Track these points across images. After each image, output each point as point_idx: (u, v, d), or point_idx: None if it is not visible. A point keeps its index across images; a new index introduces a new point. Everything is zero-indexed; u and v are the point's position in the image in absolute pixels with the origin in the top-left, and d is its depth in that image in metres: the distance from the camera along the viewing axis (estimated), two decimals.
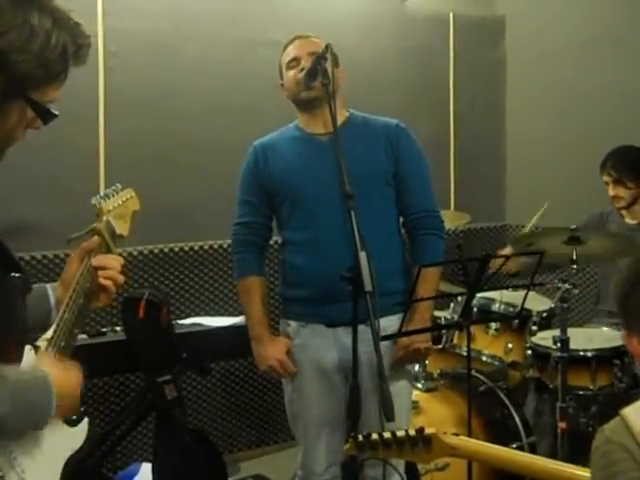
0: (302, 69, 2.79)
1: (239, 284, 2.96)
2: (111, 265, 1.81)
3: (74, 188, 3.86)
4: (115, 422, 3.79)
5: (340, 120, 2.80)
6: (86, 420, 1.68)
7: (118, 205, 1.92)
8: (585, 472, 1.81)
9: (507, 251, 3.90)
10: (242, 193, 2.95)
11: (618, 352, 3.52)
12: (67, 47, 1.56)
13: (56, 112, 1.61)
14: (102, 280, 1.79)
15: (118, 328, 3.82)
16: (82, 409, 1.70)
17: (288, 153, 2.87)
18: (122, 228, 1.92)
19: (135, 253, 4.24)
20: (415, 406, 3.43)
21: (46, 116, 1.60)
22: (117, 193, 1.95)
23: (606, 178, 4.01)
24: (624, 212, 4.10)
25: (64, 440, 1.66)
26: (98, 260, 1.80)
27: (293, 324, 2.88)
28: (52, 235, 3.75)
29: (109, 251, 1.86)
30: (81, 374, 1.65)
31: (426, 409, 3.49)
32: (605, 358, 3.54)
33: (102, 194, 1.89)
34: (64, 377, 1.59)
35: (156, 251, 4.33)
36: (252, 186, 2.91)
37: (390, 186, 2.87)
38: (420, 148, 2.96)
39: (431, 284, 2.83)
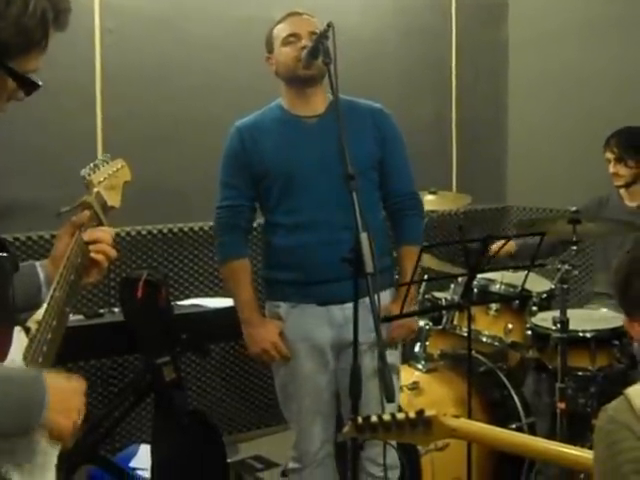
0: (303, 47, 2.75)
1: (225, 267, 2.94)
2: (102, 238, 1.76)
3: (71, 167, 3.80)
4: (113, 404, 3.79)
5: (326, 103, 2.78)
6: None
7: (108, 176, 1.87)
8: (583, 453, 1.80)
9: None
10: (225, 175, 2.91)
11: (617, 333, 3.51)
12: (46, 12, 1.47)
13: (39, 82, 1.54)
14: (94, 255, 1.74)
15: (116, 309, 3.81)
16: None
17: (275, 135, 2.84)
18: (113, 199, 1.87)
19: (133, 233, 4.22)
20: (415, 387, 3.44)
21: (28, 86, 1.53)
22: (107, 163, 1.90)
23: (608, 155, 4.03)
24: (623, 194, 4.10)
25: None
26: (89, 235, 1.74)
27: (283, 305, 2.87)
28: (48, 215, 3.71)
29: (100, 224, 1.80)
30: (83, 386, 1.56)
31: (426, 390, 3.50)
32: (604, 339, 3.53)
33: (92, 165, 1.84)
34: (62, 383, 1.50)
35: (155, 232, 4.31)
36: (237, 168, 2.87)
37: (375, 170, 2.88)
38: (400, 131, 2.97)
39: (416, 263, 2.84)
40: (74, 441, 1.53)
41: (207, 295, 4.36)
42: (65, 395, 1.50)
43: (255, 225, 3.04)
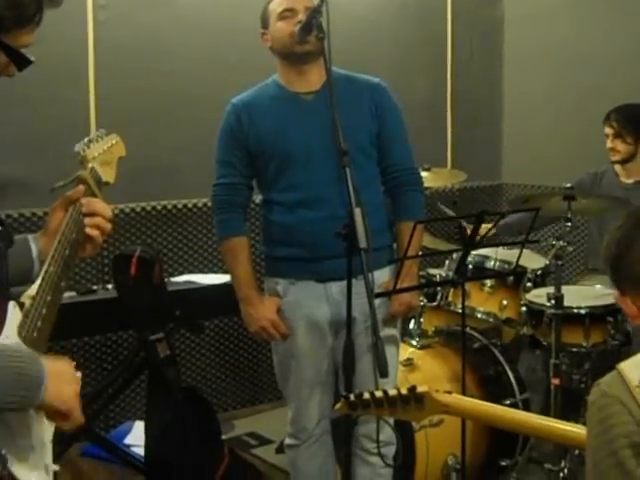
0: (299, 22, 2.71)
1: (223, 245, 2.92)
2: (101, 211, 1.74)
3: (63, 144, 3.77)
4: (107, 380, 3.79)
5: (322, 79, 2.74)
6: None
7: (103, 151, 1.86)
8: (576, 429, 1.80)
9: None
10: (222, 153, 2.88)
11: (611, 309, 3.50)
12: None
13: (31, 57, 1.53)
14: (89, 230, 1.72)
15: (109, 286, 3.80)
16: (74, 364, 1.66)
17: (271, 112, 2.80)
18: (108, 175, 1.86)
19: (127, 210, 4.21)
20: (409, 363, 3.45)
21: (21, 61, 1.52)
22: (102, 139, 1.88)
23: (607, 130, 4.01)
24: (619, 170, 4.09)
25: None
26: (88, 206, 1.73)
27: (282, 282, 2.85)
28: (40, 192, 3.69)
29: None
30: (72, 364, 1.56)
31: (420, 366, 3.50)
32: (598, 315, 3.53)
33: (86, 140, 1.82)
34: (57, 363, 1.51)
35: (148, 208, 4.29)
36: (233, 146, 2.84)
37: (373, 145, 2.85)
38: (399, 106, 2.94)
39: (418, 239, 2.84)
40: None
41: (201, 272, 4.36)
42: (62, 368, 1.51)
43: (257, 201, 3.03)
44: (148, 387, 3.62)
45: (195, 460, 3.38)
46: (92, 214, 1.74)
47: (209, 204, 4.33)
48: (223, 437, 3.77)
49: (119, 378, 3.70)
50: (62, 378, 1.49)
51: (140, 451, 3.60)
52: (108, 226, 1.77)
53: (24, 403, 1.43)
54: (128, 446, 3.81)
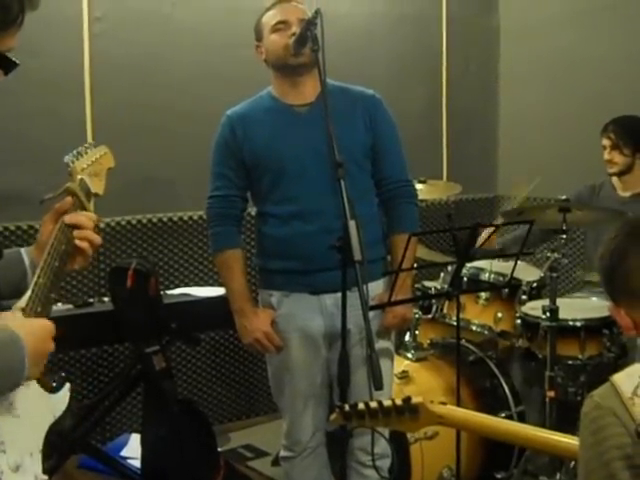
0: (293, 34, 2.72)
1: (218, 258, 2.92)
2: (84, 223, 1.74)
3: (61, 157, 3.79)
4: (103, 393, 3.79)
5: (317, 91, 2.76)
6: (67, 386, 1.63)
7: (92, 163, 1.87)
8: (572, 440, 1.80)
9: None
10: (217, 165, 2.88)
11: (607, 322, 3.51)
12: None
13: (17, 61, 1.53)
14: (78, 242, 1.72)
15: (106, 299, 3.80)
16: (63, 374, 1.67)
17: (266, 124, 2.81)
18: (97, 186, 1.86)
19: (123, 223, 4.21)
20: (405, 375, 3.44)
21: (7, 65, 1.52)
22: (90, 150, 1.89)
23: (605, 141, 4.01)
24: (616, 182, 4.09)
25: (45, 408, 1.62)
26: (70, 218, 1.73)
27: (276, 294, 2.86)
28: (38, 205, 3.70)
29: (84, 211, 1.79)
30: (52, 326, 1.57)
31: (416, 378, 3.49)
32: (594, 328, 3.53)
33: (75, 152, 1.83)
34: (34, 334, 1.52)
35: (144, 221, 4.30)
36: (228, 158, 2.84)
37: (367, 158, 2.86)
38: (393, 118, 2.94)
39: (413, 251, 2.84)
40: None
41: (196, 284, 4.35)
42: (38, 345, 1.51)
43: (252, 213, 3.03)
44: (144, 400, 3.63)
45: (191, 472, 3.38)
46: (78, 226, 1.74)
47: (205, 217, 4.36)
48: (219, 449, 3.77)
49: (115, 391, 3.70)
50: (37, 359, 1.50)
51: (137, 463, 3.61)
52: (97, 238, 1.77)
53: (11, 387, 1.48)
54: (125, 458, 3.81)
